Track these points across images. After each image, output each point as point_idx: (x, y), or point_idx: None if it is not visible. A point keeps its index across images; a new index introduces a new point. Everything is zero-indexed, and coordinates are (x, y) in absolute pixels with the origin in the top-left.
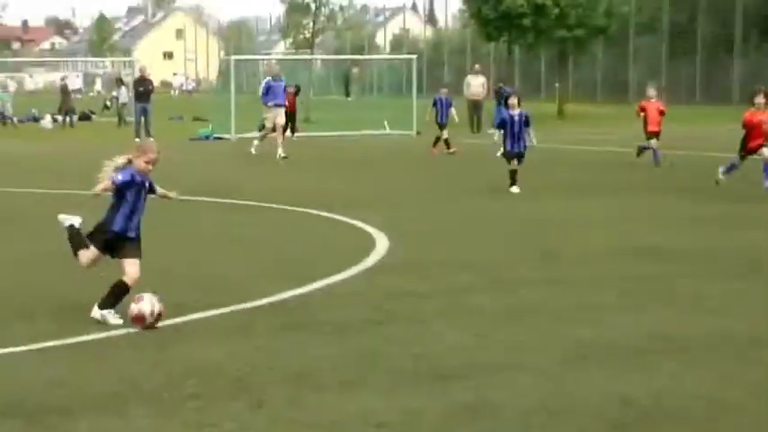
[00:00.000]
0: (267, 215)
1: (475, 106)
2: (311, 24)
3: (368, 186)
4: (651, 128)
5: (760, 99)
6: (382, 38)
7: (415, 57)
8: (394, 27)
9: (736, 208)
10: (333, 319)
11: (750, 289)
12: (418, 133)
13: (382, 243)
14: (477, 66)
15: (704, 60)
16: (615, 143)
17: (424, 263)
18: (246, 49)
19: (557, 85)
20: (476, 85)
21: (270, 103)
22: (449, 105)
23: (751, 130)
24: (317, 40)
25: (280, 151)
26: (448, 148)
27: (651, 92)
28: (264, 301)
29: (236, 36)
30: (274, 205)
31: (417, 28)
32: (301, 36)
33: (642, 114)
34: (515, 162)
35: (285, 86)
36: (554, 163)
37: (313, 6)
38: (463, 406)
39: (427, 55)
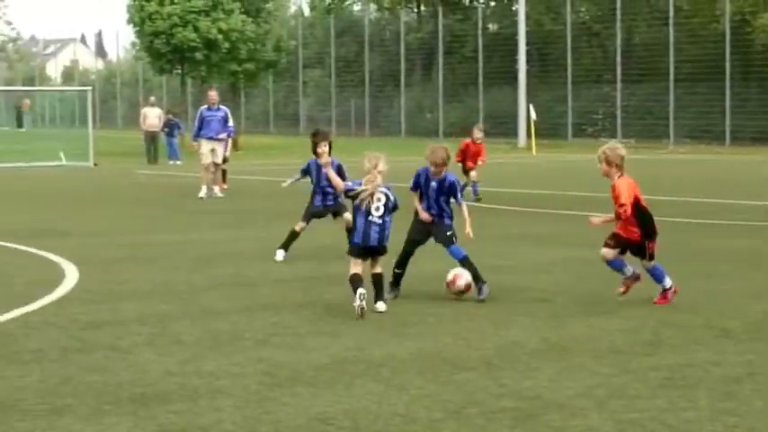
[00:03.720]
0: None
1: (152, 138)
2: None
3: (53, 217)
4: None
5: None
6: (53, 69)
7: (89, 89)
8: (64, 59)
9: None
10: (31, 348)
11: (439, 310)
12: (95, 165)
13: (72, 273)
14: (152, 98)
15: (372, 93)
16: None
17: (117, 292)
18: None
19: None
20: (152, 117)
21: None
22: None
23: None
24: None
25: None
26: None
27: (477, 133)
28: None
29: None
30: None
31: (87, 60)
32: None
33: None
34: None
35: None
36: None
37: None
38: (170, 431)
39: (99, 87)
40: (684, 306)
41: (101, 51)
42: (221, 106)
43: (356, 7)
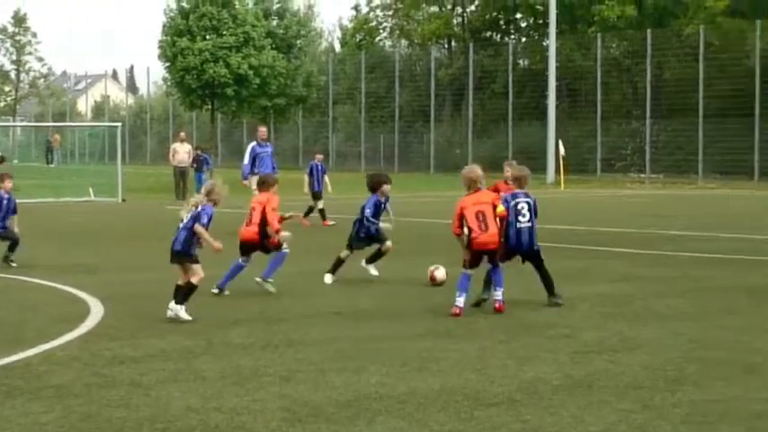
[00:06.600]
0: None
1: (181, 173)
2: (13, 91)
3: (80, 253)
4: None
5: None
6: (84, 105)
7: (119, 125)
8: (95, 94)
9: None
10: (54, 383)
11: (462, 346)
12: (123, 200)
13: (97, 309)
14: (182, 134)
15: (401, 129)
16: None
17: (142, 328)
18: None
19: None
20: (182, 152)
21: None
22: (324, 172)
23: None
24: (19, 107)
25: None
26: (323, 219)
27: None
28: None
29: None
30: None
31: (118, 95)
32: (2, 103)
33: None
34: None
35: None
36: None
37: (14, 74)
38: None
39: (129, 122)
40: (708, 342)
41: (132, 87)
42: (268, 142)
43: (387, 43)
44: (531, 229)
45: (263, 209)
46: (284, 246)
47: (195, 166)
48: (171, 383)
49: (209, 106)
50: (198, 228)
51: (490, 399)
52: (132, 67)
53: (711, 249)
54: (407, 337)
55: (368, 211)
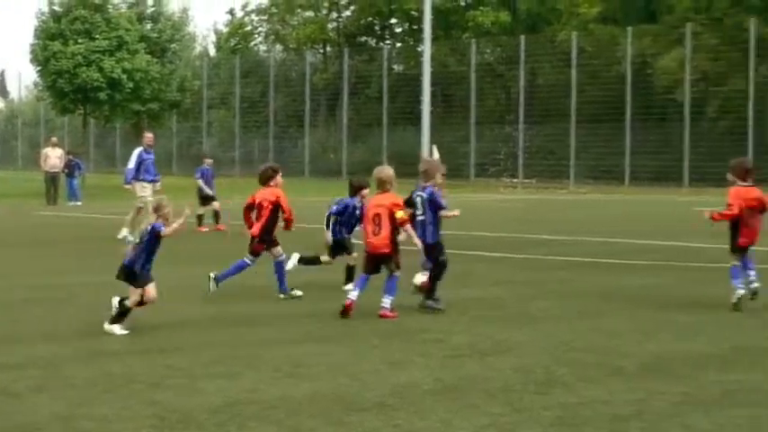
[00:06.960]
0: None
1: (53, 179)
2: None
3: None
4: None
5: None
6: None
7: None
8: None
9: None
10: None
11: (337, 351)
12: None
13: None
14: (54, 138)
15: (276, 134)
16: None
17: (10, 335)
18: None
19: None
20: (54, 157)
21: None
22: (213, 176)
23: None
24: None
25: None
26: (217, 222)
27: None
28: None
29: None
30: None
31: None
32: None
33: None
34: None
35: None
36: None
37: None
38: None
39: (0, 127)
40: (578, 345)
41: (3, 91)
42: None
43: (262, 48)
44: (423, 222)
45: (272, 208)
46: (251, 258)
47: (67, 171)
48: (41, 391)
49: (82, 111)
50: (163, 235)
51: (362, 403)
52: (3, 71)
53: (577, 253)
54: (283, 342)
55: (334, 208)
